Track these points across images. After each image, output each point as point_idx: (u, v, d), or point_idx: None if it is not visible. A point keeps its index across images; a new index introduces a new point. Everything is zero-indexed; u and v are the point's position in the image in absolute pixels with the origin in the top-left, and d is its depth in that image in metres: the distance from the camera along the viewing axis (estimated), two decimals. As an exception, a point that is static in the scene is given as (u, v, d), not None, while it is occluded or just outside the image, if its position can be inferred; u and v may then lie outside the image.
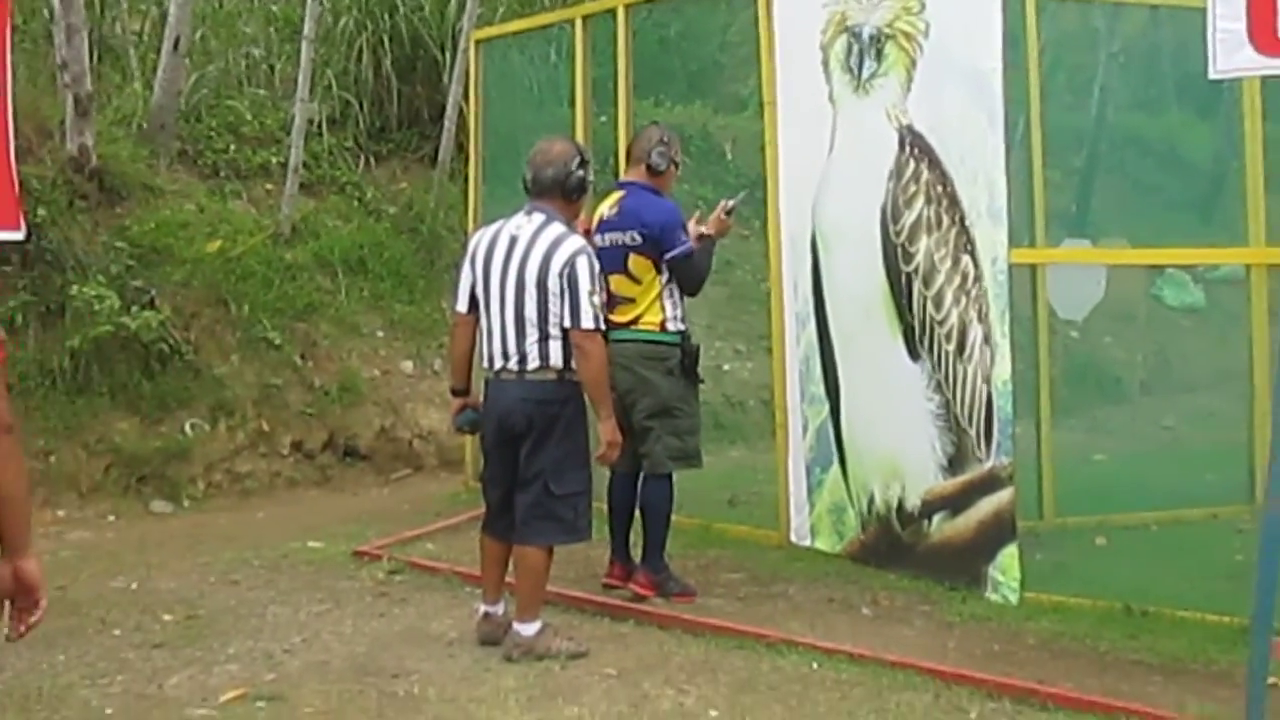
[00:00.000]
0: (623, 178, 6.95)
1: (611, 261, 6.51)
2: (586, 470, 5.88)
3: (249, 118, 11.42)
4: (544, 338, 5.71)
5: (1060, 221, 10.81)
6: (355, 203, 11.37)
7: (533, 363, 5.73)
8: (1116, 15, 13.13)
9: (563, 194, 5.90)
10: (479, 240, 5.96)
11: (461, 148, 11.16)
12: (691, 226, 6.76)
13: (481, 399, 5.98)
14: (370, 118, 11.95)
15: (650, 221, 6.63)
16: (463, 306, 5.99)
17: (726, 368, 11.71)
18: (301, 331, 10.12)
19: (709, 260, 6.76)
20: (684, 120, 13.76)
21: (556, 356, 5.73)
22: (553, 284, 5.69)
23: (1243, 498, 8.32)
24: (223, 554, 7.68)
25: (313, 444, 9.79)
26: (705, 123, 14.03)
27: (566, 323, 5.69)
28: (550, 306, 5.69)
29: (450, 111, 11.37)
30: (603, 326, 5.78)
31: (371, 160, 11.83)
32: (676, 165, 6.89)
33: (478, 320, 5.92)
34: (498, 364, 5.80)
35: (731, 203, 6.90)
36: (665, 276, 6.66)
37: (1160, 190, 14.77)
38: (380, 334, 10.56)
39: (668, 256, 6.61)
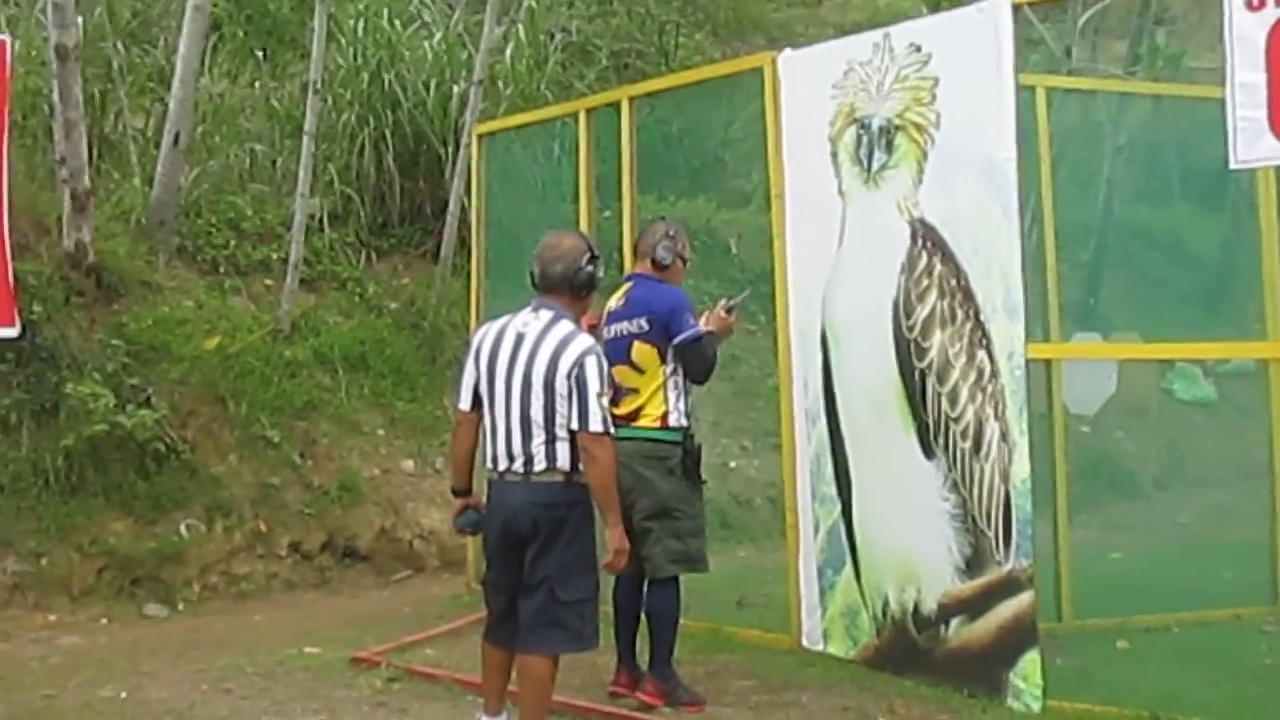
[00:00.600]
0: (630, 271, 6.78)
1: (616, 352, 6.36)
2: (594, 575, 5.66)
3: (249, 213, 11.30)
4: (551, 439, 5.51)
5: (1069, 315, 10.67)
6: (356, 298, 11.22)
7: (539, 464, 5.53)
8: (1122, 107, 13.11)
9: (571, 290, 5.73)
10: (484, 336, 5.77)
11: (464, 243, 11.01)
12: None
13: (484, 499, 5.77)
14: (372, 213, 11.83)
15: (658, 308, 6.49)
16: (465, 404, 5.79)
17: (733, 465, 11.49)
18: (301, 430, 9.93)
19: (715, 351, 6.58)
20: (688, 214, 13.62)
21: (564, 458, 5.53)
22: (560, 385, 5.50)
23: (1265, 598, 8.15)
24: (216, 660, 7.44)
25: (311, 545, 9.56)
26: (709, 218, 13.90)
27: (574, 425, 5.49)
28: (558, 407, 5.50)
29: (452, 206, 11.25)
30: (612, 430, 5.57)
31: (373, 256, 11.70)
32: (684, 260, 6.78)
33: (481, 418, 5.73)
34: (502, 465, 5.60)
35: (732, 301, 6.74)
36: (670, 367, 6.50)
37: (1167, 283, 14.65)
38: (381, 432, 10.37)
39: (676, 340, 6.45)
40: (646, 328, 6.48)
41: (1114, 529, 10.77)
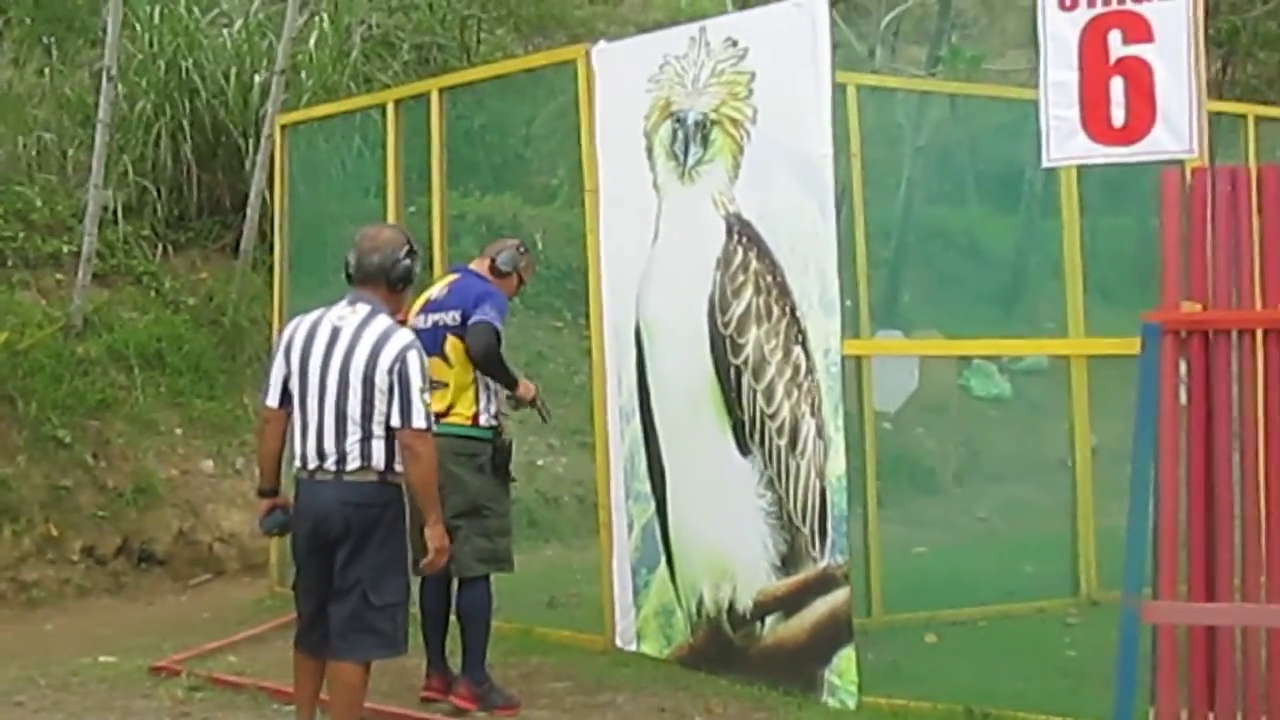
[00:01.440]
0: (463, 265, 6.61)
1: (431, 343, 6.17)
2: (406, 578, 5.50)
3: (39, 204, 10.84)
4: (366, 437, 5.33)
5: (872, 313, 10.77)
6: (152, 294, 10.82)
7: (353, 463, 5.34)
8: (922, 108, 13.27)
9: (388, 283, 5.54)
10: (294, 330, 5.55)
11: (264, 237, 10.72)
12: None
13: (292, 500, 5.54)
14: (169, 205, 11.42)
15: (469, 299, 6.34)
16: (273, 401, 5.56)
17: (540, 463, 11.34)
18: (94, 429, 9.54)
19: (494, 345, 6.32)
20: (494, 210, 13.47)
21: (379, 457, 5.35)
22: (380, 380, 5.32)
23: (1066, 590, 8.30)
24: (5, 672, 7.08)
25: (105, 549, 9.18)
26: (515, 213, 13.73)
27: (395, 422, 5.32)
28: (376, 404, 5.32)
29: (253, 199, 10.91)
30: (433, 426, 5.39)
31: (170, 249, 11.29)
32: (522, 281, 6.71)
33: (289, 416, 5.50)
34: (312, 463, 5.39)
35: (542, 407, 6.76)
36: None
37: (964, 282, 14.86)
38: (179, 432, 10.01)
39: (469, 321, 6.28)
40: (458, 321, 6.33)
41: (916, 524, 10.87)
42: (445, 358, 6.31)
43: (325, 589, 5.43)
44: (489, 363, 6.34)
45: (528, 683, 6.76)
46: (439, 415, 6.12)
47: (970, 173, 15.34)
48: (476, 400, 6.34)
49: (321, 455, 5.36)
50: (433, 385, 6.05)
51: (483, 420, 6.34)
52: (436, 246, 8.11)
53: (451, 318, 6.35)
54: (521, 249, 6.71)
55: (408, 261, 5.58)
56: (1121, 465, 7.97)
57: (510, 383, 6.47)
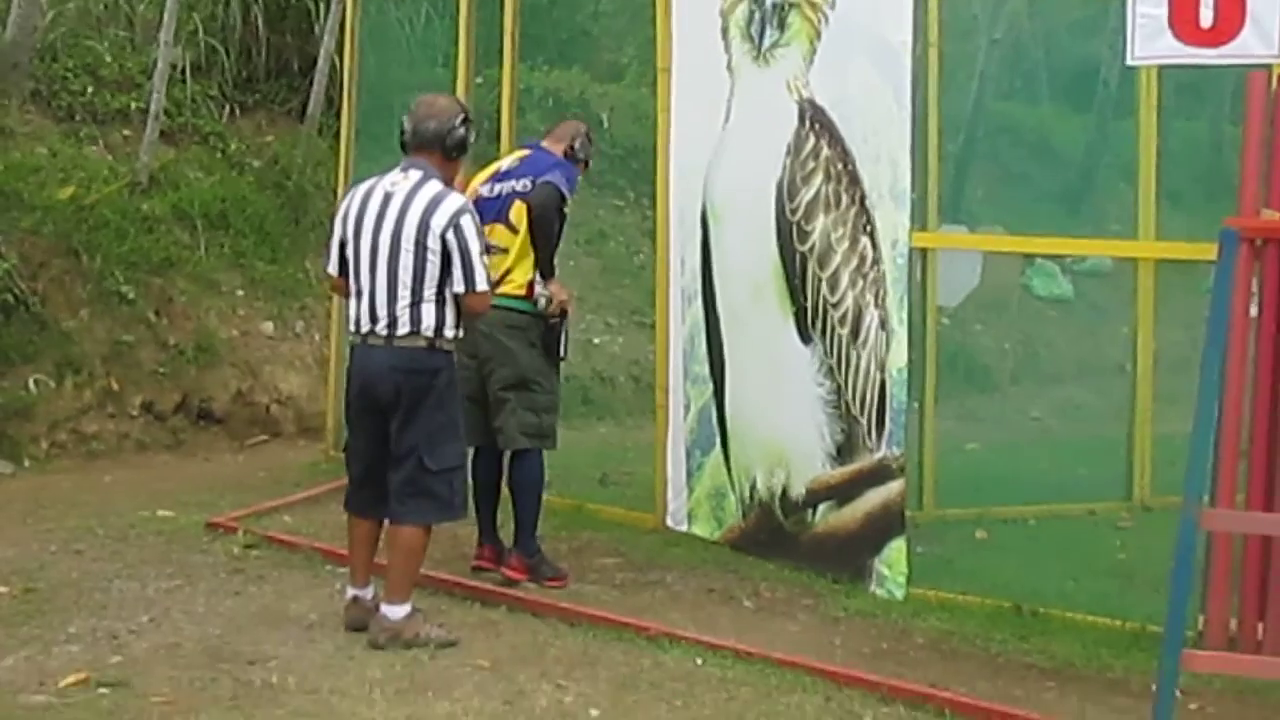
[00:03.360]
0: (540, 143, 6.57)
1: (495, 211, 6.20)
2: (461, 444, 5.59)
3: (108, 60, 10.83)
4: (417, 301, 5.38)
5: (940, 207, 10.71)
6: (218, 154, 10.82)
7: (402, 328, 5.39)
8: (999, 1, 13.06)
9: (443, 150, 5.56)
10: (351, 198, 5.60)
11: (332, 103, 10.70)
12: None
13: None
14: (237, 66, 11.39)
15: (544, 169, 6.32)
16: (333, 268, 5.65)
17: (597, 341, 11.37)
18: (157, 287, 9.58)
19: (558, 208, 6.31)
20: (561, 86, 13.40)
21: (429, 322, 5.40)
22: (433, 243, 5.36)
23: (1119, 494, 8.27)
24: (66, 521, 7.20)
25: (164, 405, 9.27)
26: (582, 89, 13.65)
27: (459, 287, 5.38)
28: (428, 268, 5.36)
29: (321, 64, 10.87)
30: (495, 286, 5.52)
31: (236, 111, 11.28)
32: (587, 165, 6.67)
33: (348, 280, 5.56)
34: (364, 327, 5.46)
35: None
36: None
37: (1030, 180, 14.71)
38: (240, 293, 10.06)
39: (539, 179, 6.27)
40: (529, 187, 6.30)
41: (970, 420, 10.85)
42: (510, 223, 6.28)
43: (374, 452, 5.51)
44: (544, 221, 6.27)
45: (578, 557, 6.82)
46: (495, 283, 6.10)
47: (1044, 69, 15.11)
48: (534, 269, 6.32)
49: (374, 319, 5.41)
50: (492, 250, 6.07)
51: (537, 289, 6.31)
52: (505, 119, 8.08)
53: (521, 184, 6.31)
54: (590, 134, 6.67)
55: (463, 130, 5.58)
56: (1181, 372, 8.01)
57: (549, 259, 6.35)
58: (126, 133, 10.54)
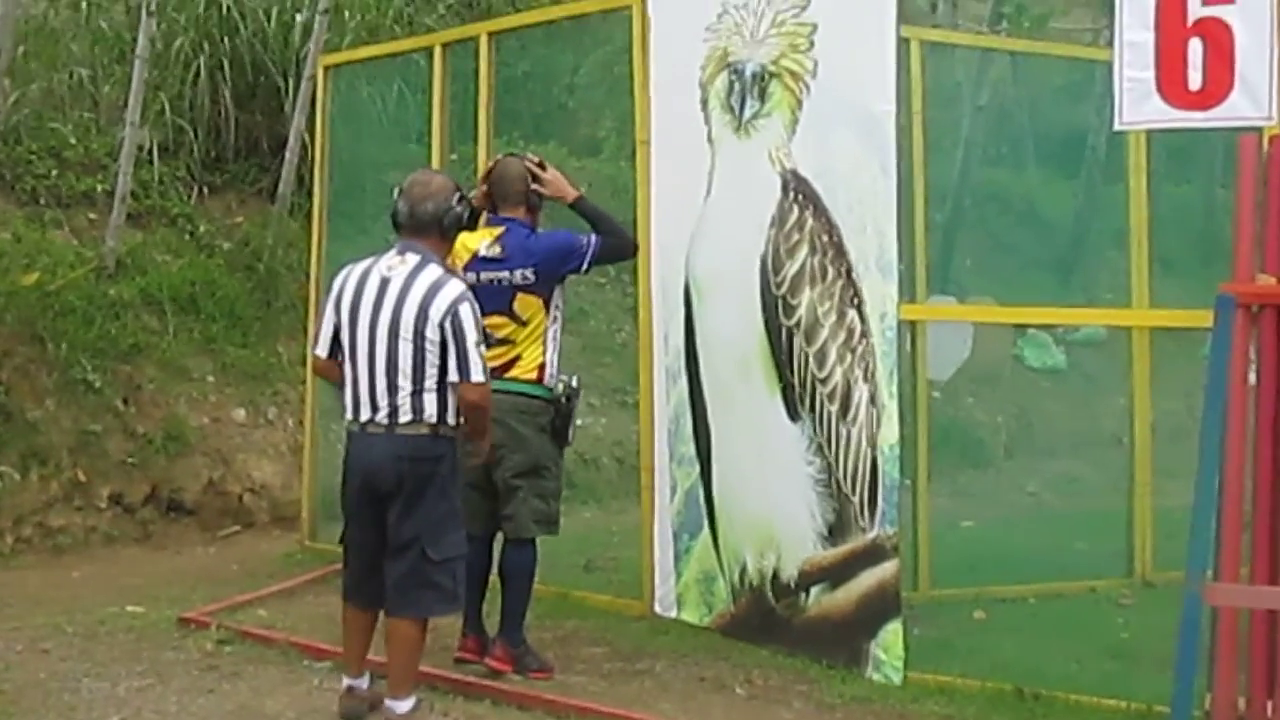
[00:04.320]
0: (501, 214, 6.55)
1: (494, 301, 6.17)
2: (462, 533, 5.59)
3: (73, 142, 10.84)
4: (418, 390, 5.39)
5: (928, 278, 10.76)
6: (187, 236, 10.82)
7: (404, 416, 5.40)
8: (982, 65, 13.18)
9: (440, 231, 5.60)
10: (345, 280, 5.60)
11: (303, 182, 10.71)
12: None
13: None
14: (205, 146, 11.40)
15: (542, 258, 6.34)
16: (322, 350, 5.65)
17: (580, 423, 11.27)
18: (124, 374, 9.56)
19: (607, 217, 6.53)
20: (538, 161, 13.44)
21: (431, 410, 5.41)
22: (431, 333, 5.37)
23: (1120, 570, 8.26)
24: (32, 618, 7.14)
25: (133, 497, 9.22)
26: (559, 164, 13.66)
27: (454, 376, 5.39)
28: (428, 357, 5.37)
29: (292, 142, 10.88)
30: (489, 377, 5.50)
31: (205, 191, 11.28)
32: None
33: (340, 365, 5.57)
34: (364, 415, 5.47)
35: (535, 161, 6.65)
36: (552, 316, 6.37)
37: (1020, 248, 14.80)
38: (211, 379, 10.03)
39: (586, 267, 6.42)
40: (532, 279, 6.31)
41: (964, 497, 10.88)
42: (514, 316, 6.28)
43: (377, 543, 5.50)
44: (631, 242, 6.71)
45: (564, 647, 6.78)
46: (501, 370, 6.15)
47: (1030, 135, 15.27)
48: (544, 354, 6.33)
49: (374, 407, 5.43)
50: (495, 342, 6.09)
51: (547, 375, 6.33)
52: (477, 194, 8.09)
53: (520, 276, 6.29)
54: (537, 163, 6.63)
55: (459, 209, 5.64)
56: (1179, 443, 8.03)
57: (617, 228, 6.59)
58: (92, 216, 10.53)
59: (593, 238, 6.41)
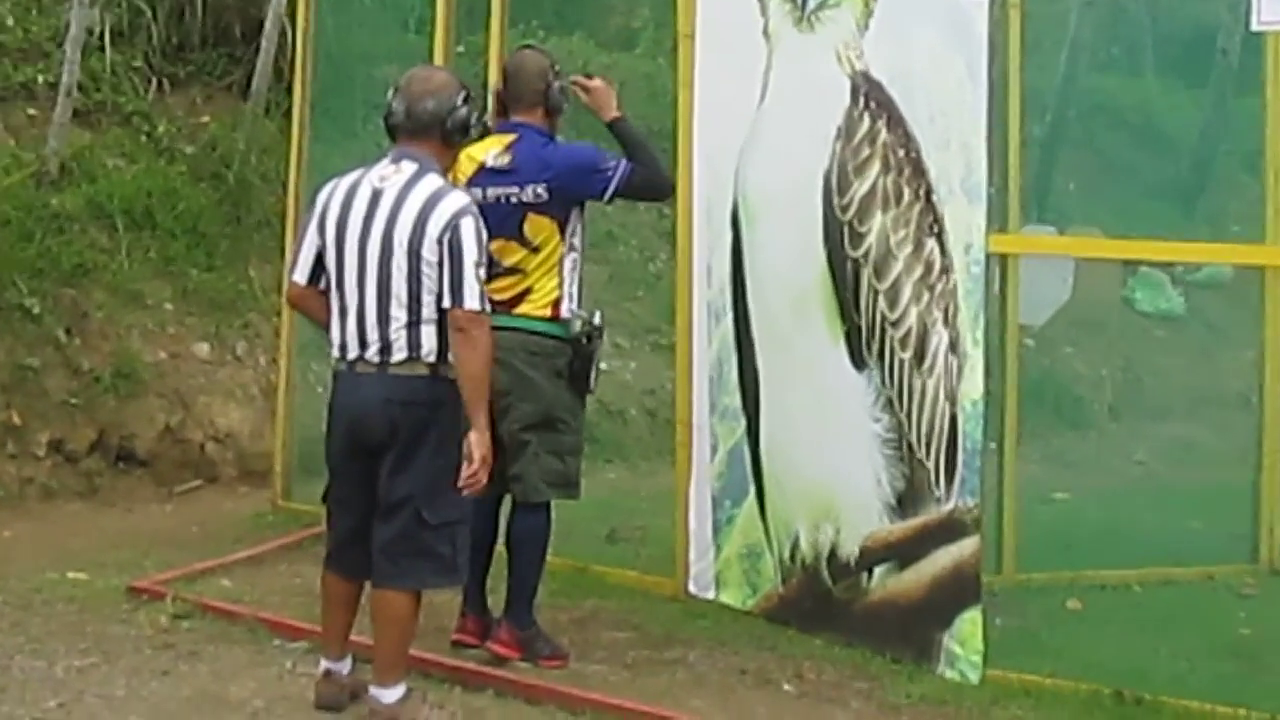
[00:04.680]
0: (512, 118, 6.57)
1: (501, 223, 6.19)
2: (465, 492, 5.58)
3: (9, 23, 10.92)
4: (414, 321, 5.42)
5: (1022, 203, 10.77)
6: (143, 138, 10.90)
7: (398, 353, 5.44)
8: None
9: (442, 135, 5.61)
10: (330, 194, 5.63)
11: (281, 76, 10.76)
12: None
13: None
14: (166, 31, 11.45)
15: (562, 172, 6.36)
16: (301, 276, 5.68)
17: (604, 367, 11.31)
18: (68, 299, 9.65)
19: (645, 146, 6.59)
20: (559, 54, 13.31)
21: (429, 346, 5.44)
22: (429, 252, 5.39)
23: (1243, 555, 8.28)
24: (-43, 585, 7.25)
25: (77, 444, 9.31)
26: (586, 60, 13.69)
27: (446, 301, 5.40)
28: (425, 281, 5.40)
29: (269, 28, 10.92)
30: (489, 308, 5.50)
31: (166, 85, 11.33)
32: (568, 100, 6.69)
33: (323, 294, 5.61)
34: (352, 352, 5.51)
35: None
36: (570, 242, 6.41)
37: (1134, 171, 14.78)
38: (169, 306, 10.11)
39: (609, 194, 6.44)
40: (545, 196, 6.33)
41: (1059, 464, 10.93)
42: (524, 240, 6.32)
43: (365, 501, 5.55)
44: (669, 183, 6.84)
45: (581, 630, 6.86)
46: (509, 304, 6.20)
47: (1149, 35, 15.20)
48: (560, 282, 6.37)
49: (363, 343, 5.46)
50: (503, 271, 6.12)
51: (564, 310, 6.35)
52: (491, 96, 8.11)
53: (532, 193, 6.33)
54: (556, 67, 6.64)
55: (465, 110, 5.63)
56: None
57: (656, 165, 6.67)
58: (32, 112, 10.62)
59: (622, 162, 6.44)
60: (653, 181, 6.60)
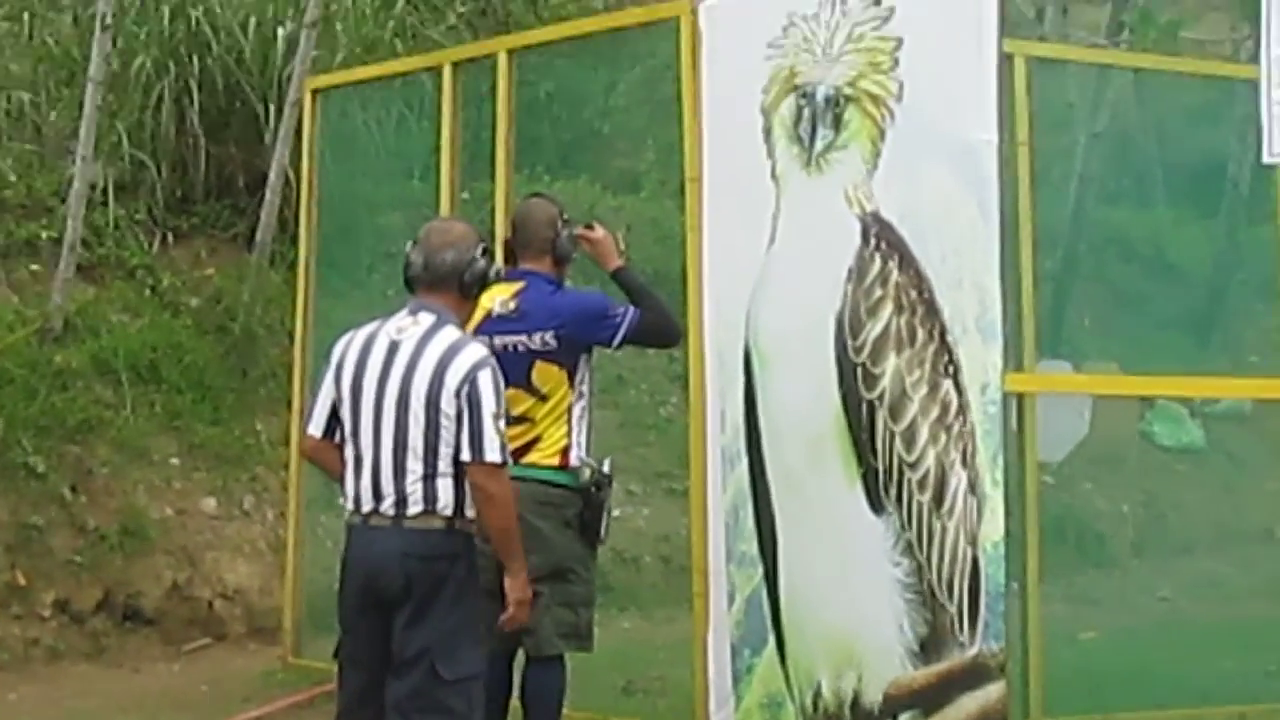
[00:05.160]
0: (521, 266, 6.63)
1: (507, 371, 6.17)
2: (481, 647, 5.59)
3: (13, 179, 11.00)
4: (431, 474, 5.42)
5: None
6: (148, 292, 10.96)
7: (414, 506, 5.43)
8: (1099, 83, 13.23)
9: (460, 287, 5.65)
10: (347, 345, 5.66)
11: (285, 227, 10.83)
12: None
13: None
14: (170, 185, 11.55)
15: (568, 320, 6.41)
16: (316, 429, 5.69)
17: (617, 513, 11.32)
18: (73, 457, 9.66)
19: (659, 303, 6.68)
20: (566, 199, 13.45)
21: (445, 499, 5.44)
22: (447, 404, 5.41)
23: (1275, 694, 8.21)
24: (-40, 751, 7.20)
25: (83, 604, 9.29)
26: (592, 203, 13.78)
27: (465, 455, 5.41)
28: (442, 434, 5.41)
29: (273, 180, 11.00)
30: (509, 461, 5.50)
31: (170, 238, 11.43)
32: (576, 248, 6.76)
33: (338, 448, 5.62)
34: (366, 506, 5.50)
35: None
36: (579, 390, 6.45)
37: (1147, 303, 14.81)
38: (175, 461, 10.13)
39: (618, 341, 6.50)
40: (554, 344, 6.39)
41: (1083, 603, 10.86)
42: (532, 388, 6.36)
43: (378, 658, 5.51)
44: (677, 329, 6.85)
45: (600, 786, 6.80)
46: (516, 454, 6.16)
47: (1158, 166, 15.27)
48: (568, 431, 6.40)
49: (378, 496, 5.46)
50: (511, 420, 6.12)
51: (573, 458, 6.39)
52: (499, 243, 8.16)
53: (540, 341, 6.39)
54: (565, 215, 6.74)
55: (483, 262, 5.68)
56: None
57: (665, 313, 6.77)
58: (35, 268, 10.68)
59: (630, 309, 6.51)
60: (661, 327, 6.65)
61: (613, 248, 6.73)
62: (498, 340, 6.35)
